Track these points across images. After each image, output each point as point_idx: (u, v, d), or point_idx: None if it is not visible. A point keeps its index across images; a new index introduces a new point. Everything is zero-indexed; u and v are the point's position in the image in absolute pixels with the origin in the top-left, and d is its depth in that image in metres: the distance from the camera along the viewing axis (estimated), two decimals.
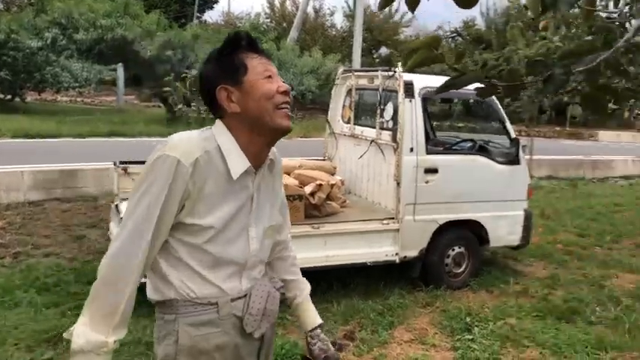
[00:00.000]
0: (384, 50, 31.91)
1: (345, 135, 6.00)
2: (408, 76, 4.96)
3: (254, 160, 1.57)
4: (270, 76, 1.55)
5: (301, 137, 14.75)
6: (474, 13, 30.00)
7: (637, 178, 14.09)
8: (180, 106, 15.88)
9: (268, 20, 31.55)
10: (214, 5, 39.34)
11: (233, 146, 1.53)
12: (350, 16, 28.76)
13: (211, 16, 56.68)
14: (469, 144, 5.58)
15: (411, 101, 4.89)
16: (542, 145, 13.69)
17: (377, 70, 5.42)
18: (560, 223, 7.82)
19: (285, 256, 1.89)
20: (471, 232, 5.31)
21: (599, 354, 3.91)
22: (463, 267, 5.31)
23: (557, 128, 24.12)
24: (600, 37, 1.95)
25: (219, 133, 1.54)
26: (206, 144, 1.50)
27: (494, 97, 5.40)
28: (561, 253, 6.33)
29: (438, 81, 5.73)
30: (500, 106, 5.42)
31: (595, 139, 23.03)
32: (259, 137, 1.56)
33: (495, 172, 5.28)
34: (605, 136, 23.50)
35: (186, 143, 1.48)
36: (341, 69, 6.31)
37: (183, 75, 15.65)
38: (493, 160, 5.30)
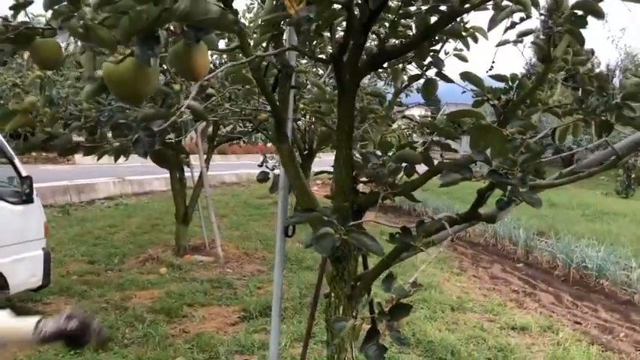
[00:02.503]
0: None
1: None
2: None
3: None
4: None
5: None
6: None
7: (119, 198, 15.36)
8: None
9: None
10: None
11: None
12: None
13: None
14: None
15: None
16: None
17: None
18: (68, 253, 7.82)
19: None
20: None
21: None
22: None
23: (34, 154, 23.51)
24: (165, 104, 2.25)
25: None
26: None
27: None
28: (79, 284, 6.38)
29: None
30: (6, 143, 5.05)
31: (72, 162, 23.63)
32: None
33: (9, 214, 4.93)
34: (83, 159, 24.44)
35: None
36: None
37: None
38: (4, 200, 4.93)
